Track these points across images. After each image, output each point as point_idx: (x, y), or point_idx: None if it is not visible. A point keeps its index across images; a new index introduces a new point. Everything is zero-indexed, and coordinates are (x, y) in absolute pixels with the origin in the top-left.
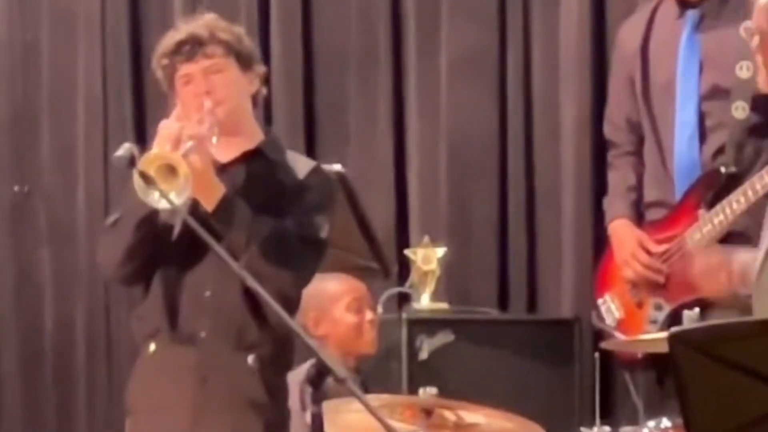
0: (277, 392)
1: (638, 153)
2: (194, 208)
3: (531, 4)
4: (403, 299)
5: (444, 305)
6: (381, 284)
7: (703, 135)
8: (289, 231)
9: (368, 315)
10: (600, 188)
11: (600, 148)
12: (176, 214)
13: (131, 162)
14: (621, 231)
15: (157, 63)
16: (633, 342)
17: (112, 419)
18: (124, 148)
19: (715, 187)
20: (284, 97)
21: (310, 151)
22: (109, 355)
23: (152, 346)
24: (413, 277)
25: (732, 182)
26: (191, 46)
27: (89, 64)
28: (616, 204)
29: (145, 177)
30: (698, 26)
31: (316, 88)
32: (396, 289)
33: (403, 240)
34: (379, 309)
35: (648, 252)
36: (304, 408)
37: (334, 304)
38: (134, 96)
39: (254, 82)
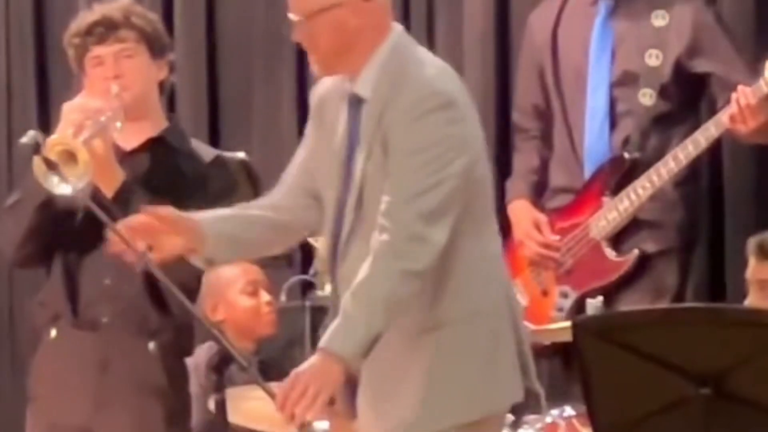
0: (178, 378)
1: (544, 138)
2: (95, 193)
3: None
4: (307, 287)
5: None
6: (284, 272)
7: (613, 121)
8: None
9: (264, 296)
10: (503, 174)
11: (503, 134)
12: (77, 199)
13: (36, 149)
14: (518, 211)
15: (68, 42)
16: (540, 332)
17: (14, 405)
18: (29, 136)
19: (619, 173)
20: (188, 84)
21: (214, 138)
22: (12, 341)
23: (53, 332)
24: (317, 264)
25: (637, 169)
26: (104, 29)
27: None
28: (516, 185)
29: (46, 162)
30: (611, 14)
31: (220, 76)
32: (299, 277)
33: None
34: (283, 297)
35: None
36: (204, 393)
37: (228, 288)
38: (38, 77)
39: (163, 70)
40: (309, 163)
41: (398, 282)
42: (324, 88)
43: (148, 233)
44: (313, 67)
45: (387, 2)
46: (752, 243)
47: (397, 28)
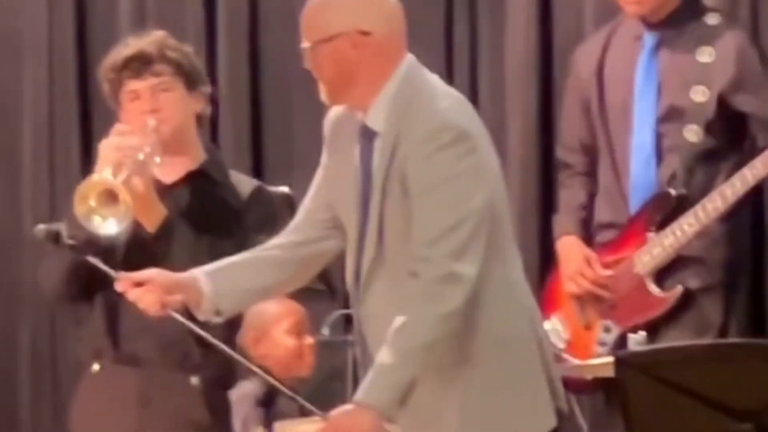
0: (220, 413)
1: (590, 174)
2: (137, 230)
3: (477, 26)
4: (349, 321)
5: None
6: (327, 306)
7: (659, 157)
8: (231, 252)
9: (307, 339)
10: (545, 207)
11: (546, 169)
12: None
13: (56, 238)
14: (568, 247)
15: (104, 76)
16: (583, 366)
17: None
18: (40, 230)
19: (665, 209)
20: (231, 116)
21: (257, 171)
22: (54, 376)
23: (96, 367)
24: None
25: (682, 205)
26: (140, 63)
27: (36, 81)
28: (564, 221)
29: (85, 204)
30: (656, 49)
31: (263, 109)
32: (342, 311)
33: None
34: (325, 331)
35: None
36: (247, 428)
37: (274, 326)
38: (81, 114)
39: (200, 102)
40: (325, 193)
41: (435, 326)
42: (336, 116)
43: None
44: (321, 95)
45: (393, 35)
46: None
47: (408, 58)
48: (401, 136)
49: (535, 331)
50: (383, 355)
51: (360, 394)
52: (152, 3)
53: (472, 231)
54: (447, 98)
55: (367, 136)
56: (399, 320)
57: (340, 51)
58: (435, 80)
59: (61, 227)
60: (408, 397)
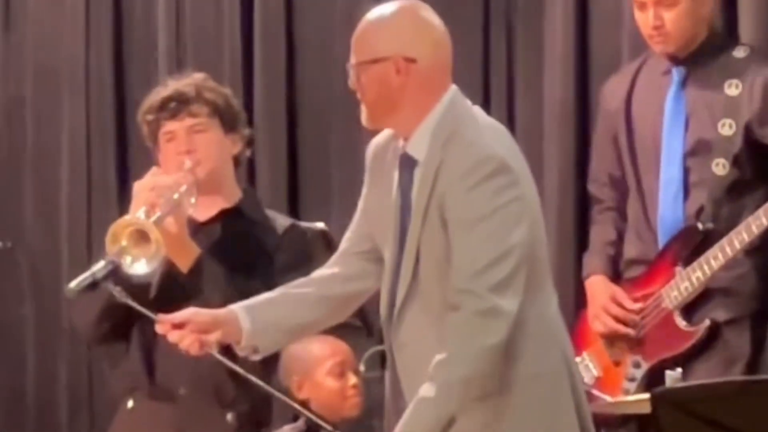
0: None
1: (620, 209)
2: (170, 270)
3: (514, 60)
4: (385, 357)
5: None
6: (364, 342)
7: (686, 191)
8: (262, 291)
9: (351, 379)
10: (583, 245)
11: (583, 205)
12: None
13: (91, 286)
14: (595, 287)
15: (142, 118)
16: (616, 404)
17: None
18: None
19: (692, 243)
20: (267, 155)
21: (293, 209)
22: (92, 412)
23: (130, 403)
24: None
25: (710, 239)
26: (177, 104)
27: (73, 119)
28: (593, 260)
29: (116, 243)
30: (684, 83)
31: (300, 146)
32: (379, 348)
33: None
34: (361, 367)
35: (622, 307)
36: None
37: (316, 368)
38: (118, 153)
39: (237, 144)
40: (365, 223)
41: (476, 360)
42: (377, 145)
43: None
44: (362, 117)
45: (439, 65)
46: None
47: (452, 89)
48: (442, 166)
49: (568, 368)
50: (424, 389)
51: (399, 426)
52: (190, 44)
53: (514, 265)
54: (489, 130)
55: (408, 164)
56: (441, 354)
57: (384, 75)
58: (478, 112)
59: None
60: (447, 431)
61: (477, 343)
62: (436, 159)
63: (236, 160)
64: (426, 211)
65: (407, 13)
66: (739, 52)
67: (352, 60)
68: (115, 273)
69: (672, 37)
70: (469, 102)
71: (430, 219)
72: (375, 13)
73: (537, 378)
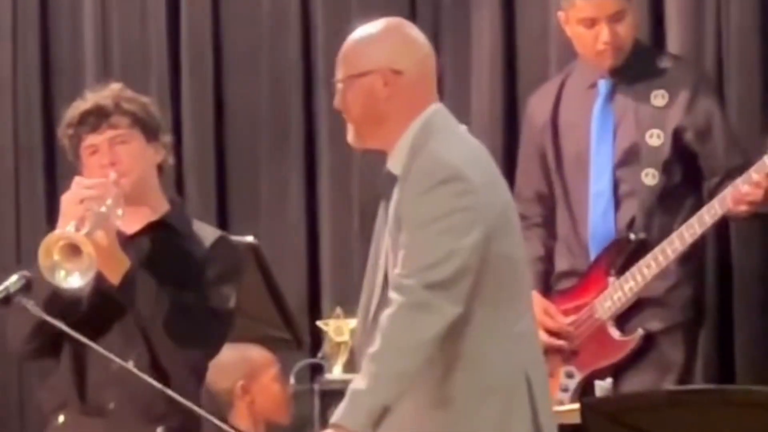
0: None
1: (546, 225)
2: (100, 282)
3: (441, 72)
4: (316, 370)
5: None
6: (293, 355)
7: (617, 203)
8: (195, 303)
9: (290, 388)
10: None
11: None
12: (83, 289)
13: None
14: None
15: (62, 133)
16: None
17: None
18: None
19: (624, 254)
20: (196, 166)
21: (222, 220)
22: (22, 427)
23: (61, 418)
24: (326, 348)
25: (642, 248)
26: (96, 117)
27: (1, 135)
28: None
29: (49, 258)
30: (611, 95)
31: (228, 158)
32: (308, 360)
33: (315, 311)
34: (292, 380)
35: (554, 320)
36: None
37: (263, 373)
38: (46, 167)
39: (160, 152)
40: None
41: (405, 355)
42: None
43: None
44: (348, 136)
45: (424, 78)
46: None
47: (434, 106)
48: (407, 177)
49: (529, 387)
50: (357, 380)
51: (334, 416)
52: (117, 58)
53: (456, 269)
54: (455, 145)
55: (390, 180)
56: (373, 346)
57: (371, 87)
58: (455, 129)
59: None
60: (381, 422)
61: (407, 337)
62: (406, 173)
63: (160, 169)
64: (393, 223)
65: (393, 28)
66: (664, 62)
67: (338, 76)
68: (29, 287)
69: (624, 49)
70: (452, 120)
71: (393, 230)
72: (361, 30)
73: (489, 392)
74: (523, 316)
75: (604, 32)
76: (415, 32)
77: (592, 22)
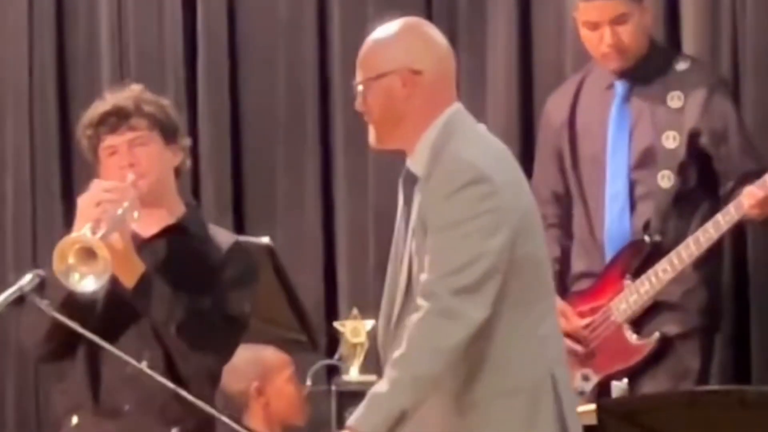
0: None
1: (563, 225)
2: (114, 285)
3: (459, 78)
4: (332, 372)
5: (373, 378)
6: (310, 357)
7: (632, 205)
8: (209, 307)
9: (305, 389)
10: None
11: None
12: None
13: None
14: None
15: (81, 133)
16: None
17: None
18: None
19: (640, 256)
20: (212, 168)
21: (239, 223)
22: (39, 430)
23: (75, 420)
24: (342, 349)
25: (657, 251)
26: (116, 118)
27: (17, 135)
28: None
29: (64, 261)
30: (627, 97)
31: (245, 160)
32: (325, 362)
33: (331, 312)
34: (308, 381)
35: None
36: None
37: (277, 374)
38: (62, 168)
39: (178, 155)
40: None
41: (429, 360)
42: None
43: None
44: (370, 138)
45: (443, 78)
46: None
47: (455, 105)
48: (430, 179)
49: (554, 386)
50: (379, 384)
51: (352, 419)
52: (133, 59)
53: (482, 273)
54: (477, 145)
55: (410, 180)
56: (397, 351)
57: (391, 88)
58: (475, 128)
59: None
60: (397, 427)
61: (431, 344)
62: (428, 174)
63: (177, 172)
64: (418, 226)
65: (411, 28)
66: (681, 64)
67: (358, 78)
68: (42, 286)
69: (630, 52)
70: (471, 119)
71: (419, 232)
72: (379, 31)
73: (510, 395)
74: (547, 317)
75: (606, 35)
76: (433, 31)
77: (595, 25)
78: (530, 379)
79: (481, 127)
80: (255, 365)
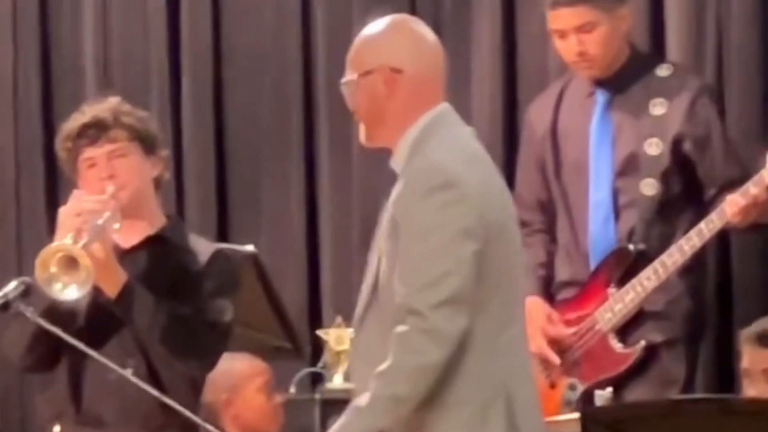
0: None
1: (549, 231)
2: (97, 296)
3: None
4: (317, 379)
5: None
6: (294, 364)
7: (616, 213)
8: (192, 316)
9: (277, 398)
10: None
11: None
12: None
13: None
14: (530, 307)
15: (60, 146)
16: (548, 423)
17: None
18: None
19: (624, 265)
20: (197, 177)
21: (223, 231)
22: None
23: (57, 428)
24: (326, 357)
25: (642, 260)
26: (95, 130)
27: (1, 142)
28: (525, 282)
29: (46, 270)
30: (609, 104)
31: (229, 169)
32: (309, 369)
33: (315, 320)
34: (292, 389)
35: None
36: None
37: (246, 385)
38: (46, 175)
39: (158, 166)
40: None
41: (409, 378)
42: None
43: None
44: (360, 135)
45: (426, 77)
46: (749, 333)
47: (441, 106)
48: (402, 179)
49: (506, 397)
50: (360, 398)
51: (331, 430)
52: (117, 66)
53: (459, 283)
54: (451, 149)
55: (395, 178)
56: (382, 366)
57: (373, 86)
58: (458, 131)
59: (8, 291)
60: None
61: (413, 362)
62: (404, 171)
63: (157, 183)
64: (389, 225)
65: (395, 25)
66: (663, 71)
67: (346, 77)
68: (28, 293)
69: (597, 61)
70: (456, 120)
71: (391, 232)
72: (366, 29)
73: (459, 405)
74: (508, 326)
75: (572, 43)
76: (420, 29)
77: (562, 33)
78: (477, 392)
79: (466, 130)
80: (224, 377)
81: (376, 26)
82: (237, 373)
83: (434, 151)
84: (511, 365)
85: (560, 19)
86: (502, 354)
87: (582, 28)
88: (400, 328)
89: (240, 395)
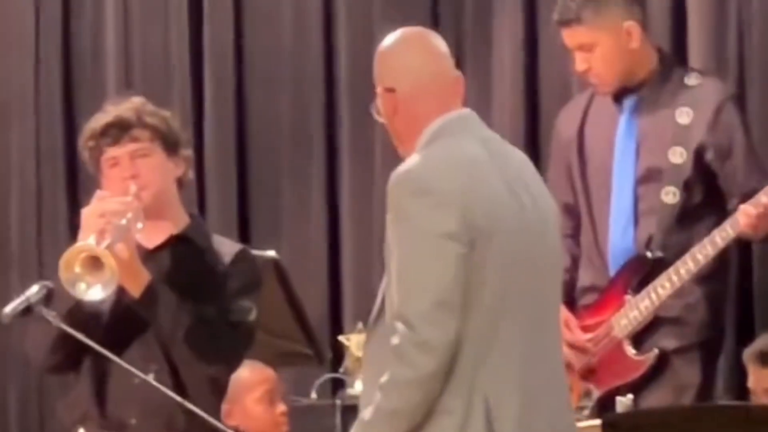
0: None
1: (574, 236)
2: (121, 296)
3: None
4: (337, 385)
5: None
6: (315, 370)
7: (636, 220)
8: (215, 316)
9: (280, 407)
10: None
11: None
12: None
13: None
14: None
15: (83, 145)
16: None
17: None
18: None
19: (641, 272)
20: (218, 181)
21: (244, 236)
22: None
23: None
24: (347, 362)
25: (659, 267)
26: (118, 130)
27: (23, 145)
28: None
29: (70, 271)
30: (636, 111)
31: (250, 173)
32: (330, 375)
33: (336, 326)
34: (313, 395)
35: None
36: None
37: (246, 395)
38: (67, 178)
39: (180, 166)
40: None
41: (408, 393)
42: None
43: None
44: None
45: (419, 93)
46: (751, 352)
47: (446, 116)
48: None
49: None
50: (366, 411)
51: None
52: (139, 70)
53: (446, 288)
54: (435, 158)
55: None
56: (383, 378)
57: (383, 104)
58: (456, 139)
59: (31, 294)
60: None
61: (408, 375)
62: None
63: (180, 183)
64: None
65: (391, 45)
66: (691, 80)
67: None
68: (49, 298)
69: (602, 78)
70: (461, 128)
71: (388, 239)
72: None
73: (445, 414)
74: (497, 338)
75: (578, 61)
76: (421, 46)
77: (571, 51)
78: (461, 404)
79: (472, 136)
80: (229, 387)
81: (384, 42)
82: (237, 384)
83: (415, 159)
84: (498, 377)
85: (565, 37)
86: (491, 366)
87: (582, 48)
88: (395, 340)
89: (239, 406)
